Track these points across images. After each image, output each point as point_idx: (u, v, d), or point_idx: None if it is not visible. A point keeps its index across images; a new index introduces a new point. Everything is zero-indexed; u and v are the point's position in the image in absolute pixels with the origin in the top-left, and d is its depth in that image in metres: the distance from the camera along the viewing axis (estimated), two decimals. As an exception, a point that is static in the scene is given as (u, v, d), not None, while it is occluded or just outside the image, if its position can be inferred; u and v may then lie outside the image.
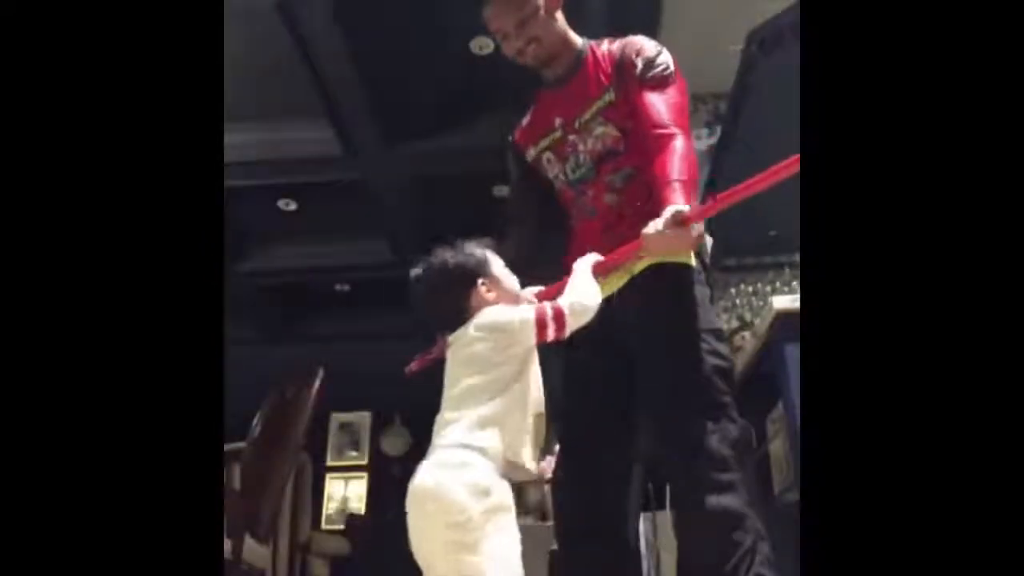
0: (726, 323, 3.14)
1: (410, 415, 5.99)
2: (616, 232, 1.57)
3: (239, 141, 3.66)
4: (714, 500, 1.34)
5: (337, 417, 6.30)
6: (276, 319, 6.12)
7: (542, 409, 1.28)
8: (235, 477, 2.46)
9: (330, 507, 6.04)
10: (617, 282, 1.56)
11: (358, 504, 6.05)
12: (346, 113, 3.82)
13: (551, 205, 1.75)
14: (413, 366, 1.63)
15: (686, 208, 1.35)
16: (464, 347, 1.27)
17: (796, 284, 2.87)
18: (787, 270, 3.03)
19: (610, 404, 1.56)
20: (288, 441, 2.50)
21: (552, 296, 1.37)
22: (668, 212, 1.35)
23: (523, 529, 1.19)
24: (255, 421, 2.47)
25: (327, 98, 3.69)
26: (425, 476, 1.15)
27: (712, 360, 1.45)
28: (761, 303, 2.95)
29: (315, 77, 3.54)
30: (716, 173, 2.88)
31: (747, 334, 2.63)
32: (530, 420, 1.24)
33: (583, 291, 1.32)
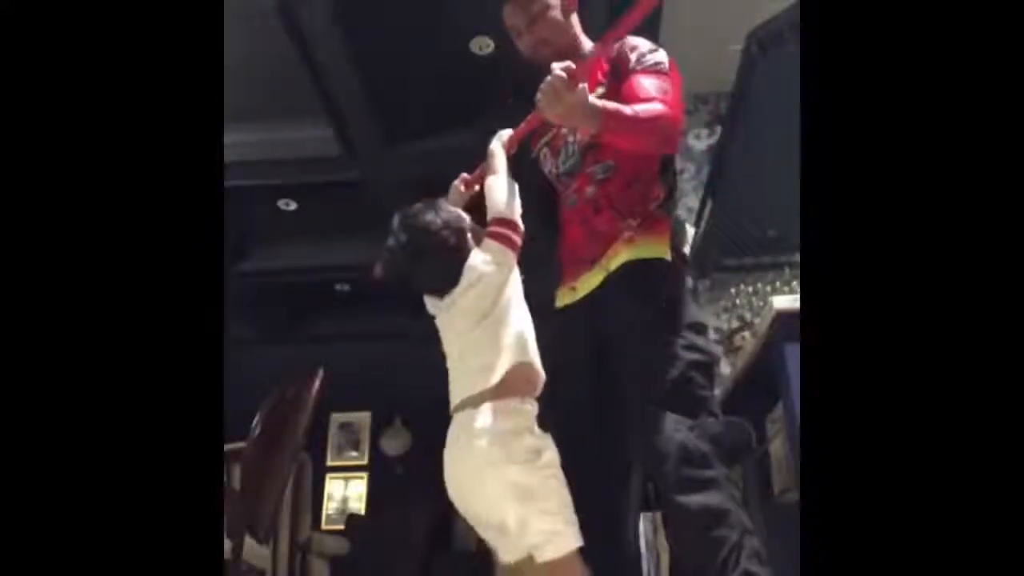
0: (726, 323, 3.14)
1: (410, 415, 5.99)
2: (591, 224, 1.57)
3: (239, 141, 3.67)
4: (693, 498, 1.32)
5: (337, 417, 6.29)
6: (276, 319, 6.13)
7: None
8: (235, 477, 2.46)
9: (330, 507, 6.03)
10: (594, 280, 1.56)
11: (358, 504, 6.04)
12: (346, 113, 3.82)
13: (552, 204, 1.76)
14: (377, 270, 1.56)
15: (571, 64, 1.35)
16: (458, 307, 1.32)
17: (796, 284, 2.87)
18: (787, 270, 3.02)
19: (599, 404, 1.56)
20: (288, 441, 2.49)
21: (480, 179, 1.49)
22: (554, 68, 1.35)
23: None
24: (255, 421, 2.46)
25: (327, 98, 3.70)
26: (482, 440, 1.21)
27: (689, 355, 1.43)
28: (761, 303, 2.94)
29: (315, 77, 3.54)
30: (716, 173, 2.87)
31: (747, 334, 2.63)
32: (527, 323, 1.34)
33: (498, 188, 1.39)
